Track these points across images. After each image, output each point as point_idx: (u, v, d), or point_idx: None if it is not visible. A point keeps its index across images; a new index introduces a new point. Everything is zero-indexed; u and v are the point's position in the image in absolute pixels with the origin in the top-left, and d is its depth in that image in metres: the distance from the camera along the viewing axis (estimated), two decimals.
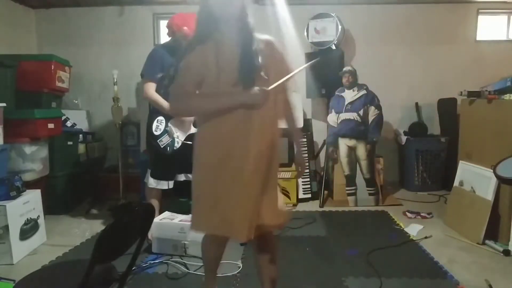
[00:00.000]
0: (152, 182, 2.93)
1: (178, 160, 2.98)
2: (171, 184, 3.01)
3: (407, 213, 3.40)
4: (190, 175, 3.09)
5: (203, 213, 1.60)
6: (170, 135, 2.89)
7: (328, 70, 3.93)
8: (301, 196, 3.94)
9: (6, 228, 2.48)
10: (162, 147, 2.85)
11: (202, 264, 2.41)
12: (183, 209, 3.05)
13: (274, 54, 1.64)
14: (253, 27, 1.57)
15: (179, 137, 2.92)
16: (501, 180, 2.26)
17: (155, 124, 2.86)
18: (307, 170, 4.05)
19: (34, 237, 2.75)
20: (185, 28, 2.88)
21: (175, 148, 2.89)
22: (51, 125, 3.35)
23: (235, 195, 1.52)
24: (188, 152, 3.02)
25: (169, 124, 2.90)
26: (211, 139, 1.61)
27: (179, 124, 2.93)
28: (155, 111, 2.90)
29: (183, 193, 3.41)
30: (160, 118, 2.88)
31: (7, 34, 3.98)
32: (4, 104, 2.84)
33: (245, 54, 1.52)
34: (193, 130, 3.03)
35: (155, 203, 2.95)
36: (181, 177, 3.08)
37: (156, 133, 2.85)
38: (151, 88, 2.81)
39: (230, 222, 1.51)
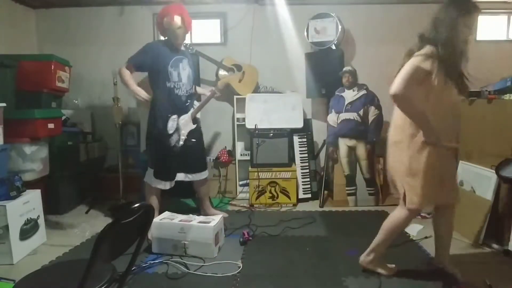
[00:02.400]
0: (156, 182, 2.94)
1: (180, 159, 3.00)
2: (172, 183, 3.02)
3: None
4: (190, 175, 3.11)
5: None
6: (179, 133, 2.91)
7: (328, 70, 3.93)
8: (301, 196, 3.95)
9: (6, 228, 2.48)
10: (172, 145, 2.88)
11: (200, 265, 2.41)
12: (183, 209, 3.06)
13: None
14: None
15: (184, 134, 2.95)
16: (504, 180, 2.27)
17: (170, 123, 2.89)
18: (307, 170, 4.05)
19: (34, 237, 2.75)
20: (174, 16, 2.90)
21: (179, 145, 2.91)
22: (51, 125, 3.35)
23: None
24: (191, 151, 3.08)
25: (179, 122, 2.91)
26: None
27: (184, 122, 2.95)
28: (162, 109, 2.90)
29: (184, 193, 3.43)
30: (174, 116, 2.90)
31: (7, 34, 3.98)
32: (4, 104, 2.84)
33: None
34: (192, 127, 3.03)
35: (154, 202, 2.95)
36: (181, 176, 3.09)
37: (170, 132, 2.88)
38: (127, 70, 2.87)
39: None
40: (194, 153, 3.12)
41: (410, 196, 2.08)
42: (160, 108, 2.90)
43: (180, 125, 2.93)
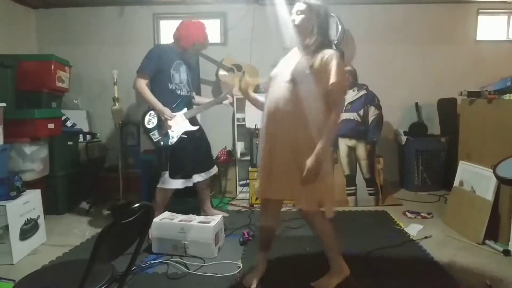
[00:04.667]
0: (178, 184, 2.95)
1: (192, 160, 3.01)
2: (189, 182, 3.04)
3: (407, 213, 3.40)
4: (203, 174, 3.15)
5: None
6: (164, 129, 2.90)
7: None
8: None
9: (6, 228, 2.48)
10: (155, 141, 2.88)
11: (200, 265, 2.42)
12: (183, 209, 3.05)
13: None
14: None
15: (174, 132, 2.92)
16: (501, 180, 2.26)
17: (147, 117, 2.91)
18: None
19: (34, 237, 2.75)
20: (201, 38, 2.99)
21: (170, 143, 2.89)
22: (51, 125, 3.35)
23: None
24: (200, 151, 3.10)
25: (162, 119, 2.91)
26: None
27: (177, 121, 2.94)
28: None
29: (184, 193, 3.43)
30: (153, 112, 2.91)
31: (7, 34, 3.98)
32: (4, 104, 2.84)
33: None
34: (189, 127, 3.02)
35: (163, 208, 2.96)
36: (197, 178, 3.13)
37: (148, 126, 2.89)
38: (140, 80, 2.87)
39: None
40: (203, 151, 3.17)
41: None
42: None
43: (164, 122, 2.91)
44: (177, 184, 2.95)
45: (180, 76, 2.97)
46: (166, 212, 2.82)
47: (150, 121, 2.91)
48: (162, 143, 2.88)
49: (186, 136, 2.97)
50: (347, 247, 2.67)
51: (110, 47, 4.40)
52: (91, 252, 1.11)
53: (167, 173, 2.95)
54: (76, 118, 4.11)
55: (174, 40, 3.02)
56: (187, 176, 3.00)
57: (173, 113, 2.91)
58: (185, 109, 3.00)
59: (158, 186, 2.98)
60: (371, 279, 2.22)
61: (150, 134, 2.89)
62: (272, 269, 2.37)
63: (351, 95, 3.78)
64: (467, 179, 3.01)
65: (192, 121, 3.05)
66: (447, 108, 4.32)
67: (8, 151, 2.88)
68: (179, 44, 2.98)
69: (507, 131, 2.64)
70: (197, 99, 3.26)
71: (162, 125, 2.90)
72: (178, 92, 2.97)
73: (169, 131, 2.90)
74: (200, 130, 3.16)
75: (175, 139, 2.90)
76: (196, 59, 4.02)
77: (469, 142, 3.17)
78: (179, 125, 2.94)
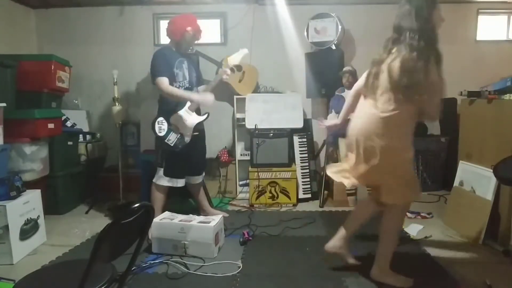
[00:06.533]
0: (165, 181, 2.94)
1: (187, 159, 3.01)
2: (182, 182, 3.03)
3: (407, 213, 3.40)
4: (192, 177, 3.13)
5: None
6: (176, 131, 2.90)
7: (328, 70, 3.93)
8: (301, 196, 3.94)
9: (6, 228, 2.48)
10: (172, 145, 2.87)
11: (200, 265, 2.42)
12: (183, 209, 3.06)
13: None
14: None
15: (186, 129, 2.93)
16: (501, 180, 2.26)
17: (157, 125, 2.88)
18: (307, 170, 4.05)
19: (34, 237, 2.75)
20: (189, 28, 2.95)
21: (186, 141, 2.90)
22: (51, 125, 3.35)
23: None
24: (196, 152, 3.10)
25: (171, 122, 2.91)
26: None
27: (178, 119, 2.94)
28: (164, 109, 2.93)
29: (184, 193, 3.43)
30: (160, 119, 2.90)
31: (7, 34, 3.98)
32: (4, 104, 2.84)
33: None
34: (198, 119, 3.01)
35: (160, 204, 2.96)
36: (190, 180, 3.14)
37: (160, 134, 2.87)
38: (164, 83, 2.85)
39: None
40: (199, 155, 3.17)
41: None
42: (163, 108, 2.93)
43: (174, 125, 2.90)
44: (167, 181, 2.95)
45: (183, 73, 2.98)
46: (166, 212, 2.82)
47: (161, 128, 2.88)
48: (180, 146, 2.88)
49: (197, 133, 3.00)
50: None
51: (110, 47, 4.40)
52: (91, 252, 1.11)
53: (161, 170, 2.95)
54: (76, 118, 4.12)
55: (169, 39, 3.03)
56: (179, 176, 3.00)
57: (179, 112, 2.92)
58: (188, 103, 2.98)
59: (153, 181, 3.00)
60: (371, 279, 2.22)
61: (165, 141, 2.87)
62: (272, 269, 2.37)
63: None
64: (467, 179, 3.01)
65: (198, 111, 3.05)
66: (447, 108, 4.31)
67: (8, 151, 2.88)
68: (173, 41, 2.99)
69: (507, 131, 2.64)
70: (200, 89, 3.22)
71: (173, 128, 2.90)
72: (182, 89, 2.97)
73: (182, 132, 2.91)
74: (202, 132, 3.16)
75: (189, 138, 2.92)
76: (197, 59, 4.02)
77: (469, 142, 3.17)
78: (188, 120, 2.93)
